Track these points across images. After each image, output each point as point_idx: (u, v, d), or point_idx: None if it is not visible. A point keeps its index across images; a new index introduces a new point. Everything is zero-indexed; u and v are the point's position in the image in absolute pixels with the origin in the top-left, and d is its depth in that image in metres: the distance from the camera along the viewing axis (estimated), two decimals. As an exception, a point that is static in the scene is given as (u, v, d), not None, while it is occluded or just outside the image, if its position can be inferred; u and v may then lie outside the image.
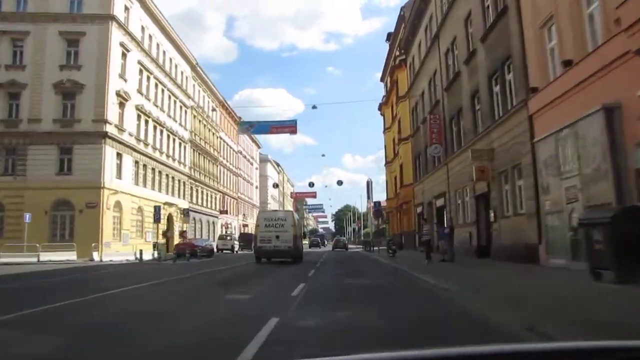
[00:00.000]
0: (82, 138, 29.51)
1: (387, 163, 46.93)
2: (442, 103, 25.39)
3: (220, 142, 59.36)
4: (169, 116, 41.83)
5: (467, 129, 21.11)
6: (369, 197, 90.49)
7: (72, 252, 26.54)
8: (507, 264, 14.84)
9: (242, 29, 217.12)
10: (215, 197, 56.71)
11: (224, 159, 60.84)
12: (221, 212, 57.67)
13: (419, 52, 31.61)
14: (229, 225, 60.86)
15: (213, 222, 55.32)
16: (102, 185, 29.28)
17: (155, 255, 27.65)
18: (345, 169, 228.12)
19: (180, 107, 45.32)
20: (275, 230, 21.60)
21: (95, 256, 26.10)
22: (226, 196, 61.00)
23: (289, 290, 8.96)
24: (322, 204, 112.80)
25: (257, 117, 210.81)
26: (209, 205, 53.79)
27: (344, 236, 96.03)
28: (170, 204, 40.57)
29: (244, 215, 71.61)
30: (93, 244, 26.55)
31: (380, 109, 50.82)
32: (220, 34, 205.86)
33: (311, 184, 51.50)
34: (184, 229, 30.27)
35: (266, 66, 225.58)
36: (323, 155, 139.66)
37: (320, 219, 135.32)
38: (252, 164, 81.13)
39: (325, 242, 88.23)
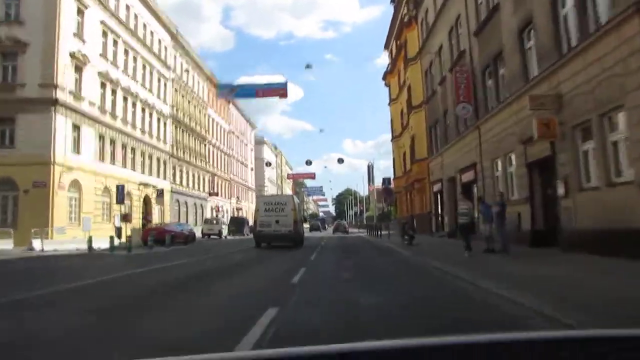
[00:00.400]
0: (27, 105, 24.21)
1: (394, 138, 41.62)
2: (469, 53, 20.08)
3: (208, 120, 54.00)
4: (144, 87, 36.46)
5: (511, 77, 15.84)
6: (370, 180, 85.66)
7: (10, 239, 21.58)
8: (596, 257, 9.78)
9: (239, 17, 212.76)
10: (204, 178, 51.58)
11: (213, 137, 55.53)
12: (210, 194, 52.57)
13: (434, 1, 26.19)
14: (220, 208, 55.86)
15: (201, 205, 50.27)
16: (52, 161, 24.11)
17: (117, 242, 22.51)
18: (346, 154, 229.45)
19: (159, 79, 39.91)
20: (275, 214, 20.98)
21: (37, 244, 20.98)
22: (217, 177, 55.86)
23: (239, 334, 3.86)
24: (321, 186, 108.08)
25: (255, 103, 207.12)
26: (196, 187, 48.67)
27: (345, 220, 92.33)
28: (147, 185, 35.43)
29: (237, 198, 66.56)
30: (34, 230, 21.40)
31: (384, 78, 45.32)
32: (217, 22, 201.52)
33: (308, 162, 46.13)
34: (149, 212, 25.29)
35: (264, 54, 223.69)
36: (321, 131, 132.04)
37: (320, 203, 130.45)
38: (246, 144, 75.91)
39: (326, 226, 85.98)
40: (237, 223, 49.28)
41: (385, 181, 27.75)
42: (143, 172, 35.67)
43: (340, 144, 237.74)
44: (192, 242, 30.30)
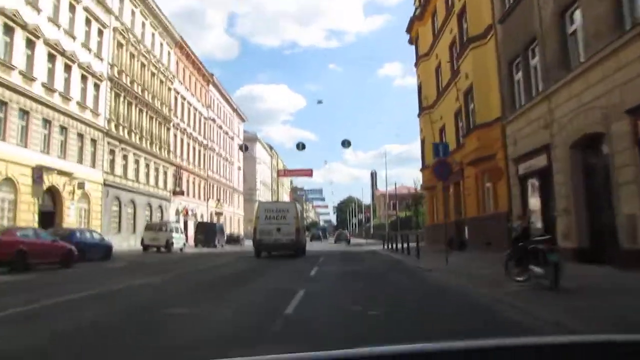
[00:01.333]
0: None
1: (423, 110, 29.06)
2: None
3: (175, 97, 41.73)
4: (56, 25, 24.23)
5: None
6: (373, 188, 74.17)
7: None
8: None
9: (244, 26, 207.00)
10: (166, 172, 39.19)
11: (182, 121, 43.20)
12: (175, 193, 40.14)
13: None
14: (191, 212, 43.41)
15: (161, 207, 37.84)
16: None
17: None
18: (347, 164, 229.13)
19: (88, 20, 27.73)
20: (276, 222, 20.02)
21: None
22: (185, 172, 43.48)
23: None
24: (321, 189, 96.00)
25: (257, 112, 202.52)
26: (151, 182, 36.28)
27: (347, 229, 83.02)
28: (52, 170, 23.07)
29: (218, 200, 54.13)
30: None
31: (409, 30, 32.86)
32: (221, 30, 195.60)
33: (300, 146, 33.38)
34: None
35: (267, 63, 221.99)
36: (320, 102, 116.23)
37: (319, 209, 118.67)
38: (232, 139, 63.70)
39: (327, 235, 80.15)
40: (207, 231, 36.99)
41: (439, 149, 15.08)
42: (46, 151, 23.37)
43: (342, 153, 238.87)
44: (105, 259, 18.17)
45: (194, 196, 45.81)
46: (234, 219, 61.80)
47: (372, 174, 74.65)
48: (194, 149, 46.49)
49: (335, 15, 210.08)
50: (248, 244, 31.86)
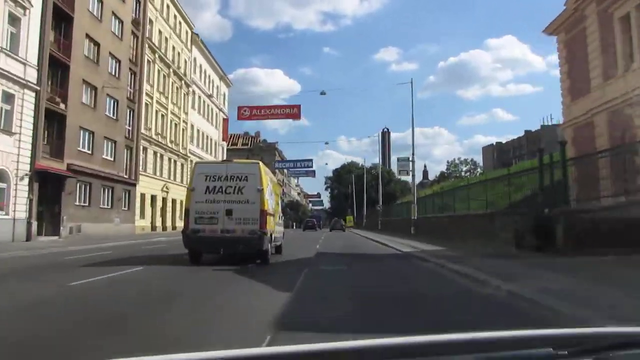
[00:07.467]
0: None
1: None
2: None
3: None
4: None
5: None
6: (387, 151, 40.70)
7: None
8: None
9: (238, 7, 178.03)
10: None
11: None
12: None
13: None
14: None
15: None
16: None
17: None
18: (340, 151, 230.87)
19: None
20: (225, 198, 11.45)
21: None
22: None
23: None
24: (311, 160, 55.66)
25: (252, 96, 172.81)
26: None
27: (352, 214, 70.32)
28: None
29: None
30: None
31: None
32: (214, 11, 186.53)
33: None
34: None
35: (261, 46, 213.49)
36: (323, 93, 78.06)
37: (303, 180, 75.93)
38: None
39: (321, 225, 68.90)
40: None
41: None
42: None
43: (335, 140, 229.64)
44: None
45: None
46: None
47: (384, 133, 48.83)
48: None
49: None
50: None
